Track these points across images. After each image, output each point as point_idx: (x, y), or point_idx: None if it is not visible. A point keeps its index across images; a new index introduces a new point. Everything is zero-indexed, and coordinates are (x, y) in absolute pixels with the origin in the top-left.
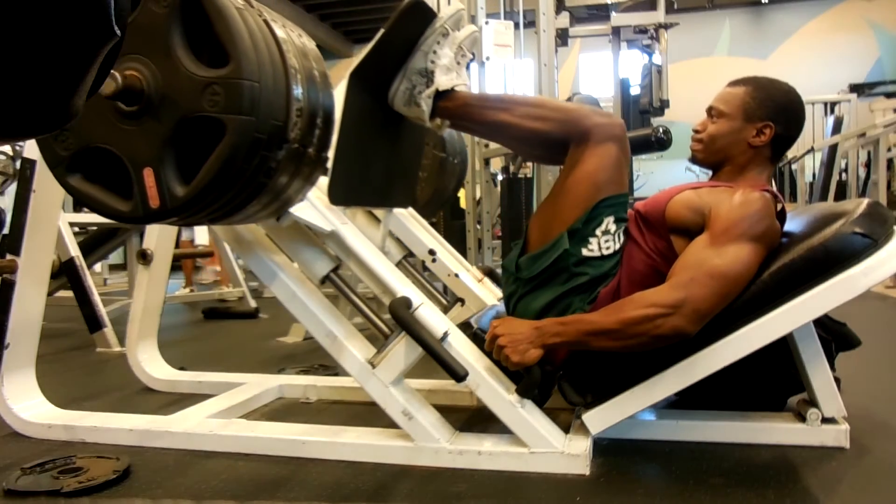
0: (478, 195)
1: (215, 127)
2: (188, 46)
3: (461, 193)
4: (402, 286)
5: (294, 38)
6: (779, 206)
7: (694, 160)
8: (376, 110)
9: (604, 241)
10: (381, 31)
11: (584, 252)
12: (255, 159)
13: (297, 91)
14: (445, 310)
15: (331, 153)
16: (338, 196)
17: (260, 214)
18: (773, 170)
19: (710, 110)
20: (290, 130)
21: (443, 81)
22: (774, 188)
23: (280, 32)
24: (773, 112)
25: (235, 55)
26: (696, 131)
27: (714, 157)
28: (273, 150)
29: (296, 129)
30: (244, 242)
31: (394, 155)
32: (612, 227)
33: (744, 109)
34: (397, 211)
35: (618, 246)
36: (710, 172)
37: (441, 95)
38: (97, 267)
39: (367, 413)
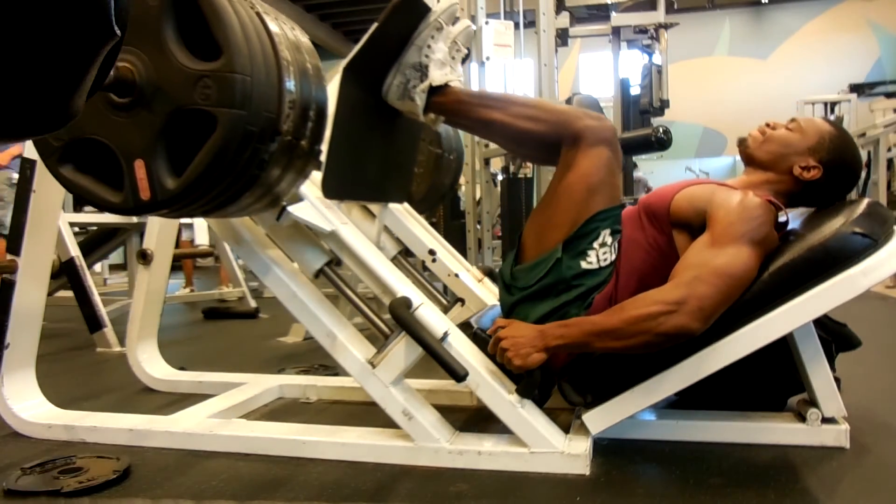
0: (478, 195)
1: (207, 120)
2: (181, 39)
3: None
4: (402, 286)
5: (287, 31)
6: (781, 218)
7: (741, 145)
8: (370, 104)
9: (602, 253)
10: (375, 24)
11: (584, 265)
12: (246, 152)
13: (290, 84)
14: (445, 310)
15: (324, 146)
16: (331, 189)
17: (254, 207)
18: (783, 205)
19: (792, 120)
20: (282, 123)
21: (437, 76)
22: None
23: (273, 26)
24: (833, 164)
25: (227, 49)
26: (768, 125)
27: (761, 154)
28: (265, 142)
29: (288, 122)
30: (241, 238)
31: (388, 149)
32: (609, 240)
33: (817, 141)
34: (394, 208)
35: (614, 256)
36: (709, 173)
37: (435, 90)
38: (97, 267)
39: (367, 413)
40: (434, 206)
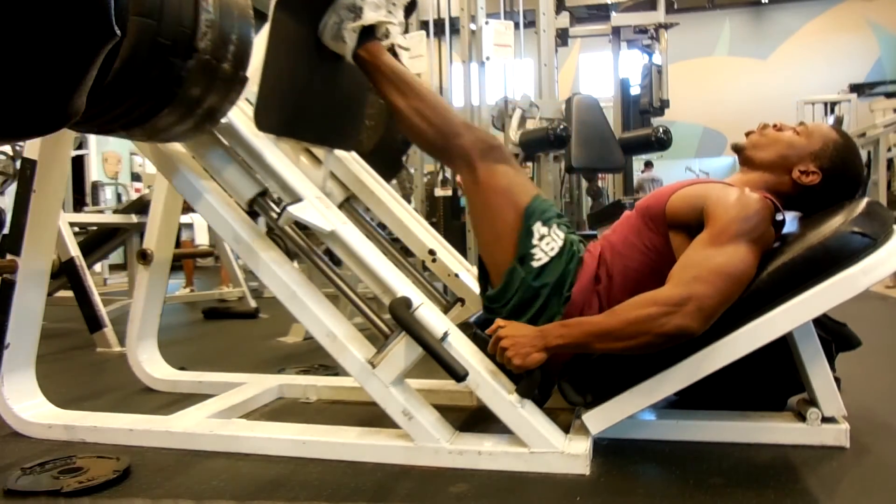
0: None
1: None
2: None
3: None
4: (402, 286)
5: None
6: (779, 216)
7: (743, 142)
8: (311, 43)
9: (545, 245)
10: None
11: (535, 264)
12: (157, 64)
13: (206, 5)
14: (445, 310)
15: (256, 77)
16: (264, 123)
17: (178, 129)
18: (778, 204)
19: (801, 124)
20: (198, 40)
21: (370, 17)
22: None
23: None
24: (833, 173)
25: None
26: (775, 125)
27: (762, 151)
28: (179, 57)
29: (206, 40)
30: (238, 237)
31: (333, 92)
32: (544, 230)
33: (821, 147)
34: (341, 154)
35: (560, 242)
36: (709, 173)
37: (364, 38)
38: (97, 267)
39: (367, 413)
40: (388, 165)
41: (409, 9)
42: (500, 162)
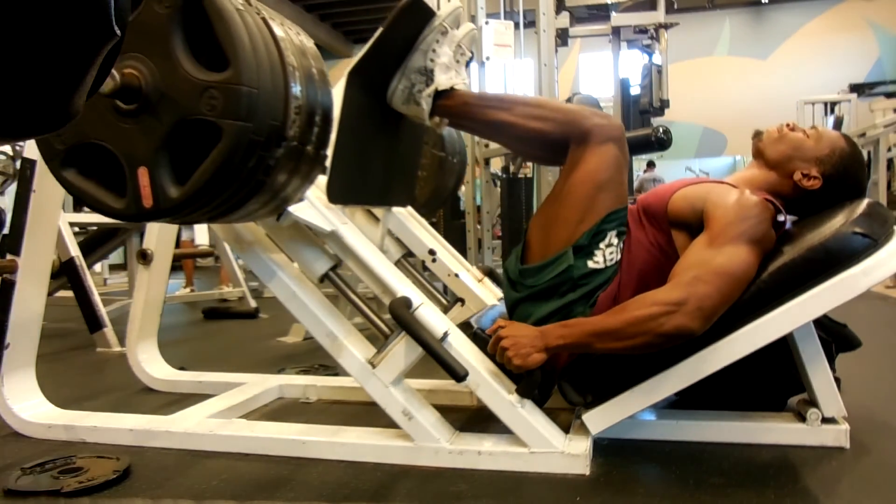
0: (478, 195)
1: (212, 130)
2: (188, 48)
3: (465, 193)
4: (402, 286)
5: (293, 36)
6: (780, 217)
7: (756, 137)
8: (375, 109)
9: (608, 253)
10: (380, 29)
11: (591, 265)
12: (251, 161)
13: (296, 89)
14: (445, 310)
15: (329, 151)
16: (336, 194)
17: (259, 212)
18: (779, 206)
19: (812, 127)
20: (288, 129)
21: (442, 80)
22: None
23: (279, 31)
24: (834, 180)
25: (235, 60)
26: (788, 124)
27: (772, 146)
28: (271, 149)
29: (294, 128)
30: (244, 242)
31: (393, 153)
32: (615, 240)
33: (827, 153)
34: (396, 210)
35: (619, 256)
36: (709, 173)
37: (440, 94)
38: (97, 267)
39: (367, 413)
40: (437, 209)
41: (468, 62)
42: (616, 150)
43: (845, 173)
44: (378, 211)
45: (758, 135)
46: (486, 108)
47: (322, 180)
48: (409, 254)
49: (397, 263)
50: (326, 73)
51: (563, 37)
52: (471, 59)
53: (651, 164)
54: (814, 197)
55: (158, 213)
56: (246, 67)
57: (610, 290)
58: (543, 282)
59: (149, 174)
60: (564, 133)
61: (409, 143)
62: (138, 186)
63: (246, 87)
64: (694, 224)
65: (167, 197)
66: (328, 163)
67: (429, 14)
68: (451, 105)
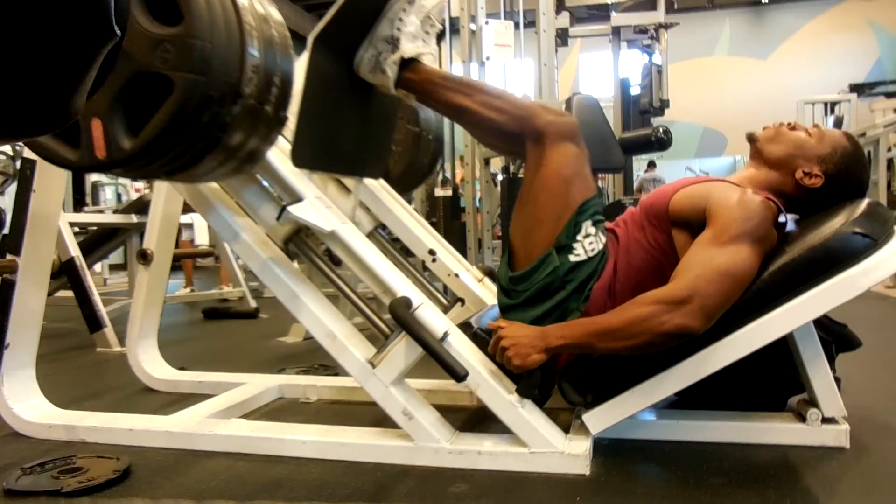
0: (478, 195)
1: (167, 83)
2: (143, 2)
3: (465, 193)
4: (402, 286)
5: (255, 3)
6: (781, 218)
7: (752, 139)
8: (342, 75)
9: (587, 244)
10: None
11: (573, 258)
12: (204, 115)
13: (253, 50)
14: (445, 310)
15: (293, 114)
16: (301, 159)
17: (218, 171)
18: (781, 205)
19: (815, 126)
20: (244, 86)
21: (408, 49)
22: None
23: None
24: (836, 179)
25: (188, 15)
26: (790, 123)
27: (772, 146)
28: (226, 106)
29: (251, 86)
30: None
31: (363, 123)
32: (592, 230)
33: (829, 152)
34: (370, 183)
35: (601, 245)
36: (709, 173)
37: (407, 65)
38: (97, 267)
39: (367, 413)
40: (413, 187)
41: (439, 36)
42: (574, 147)
43: (847, 172)
44: (349, 182)
45: (752, 138)
46: (448, 90)
47: (288, 146)
48: (408, 253)
49: (370, 236)
50: (288, 38)
51: (563, 37)
52: (441, 32)
53: (652, 164)
54: (816, 195)
55: (111, 164)
56: (199, 22)
57: (604, 281)
58: (534, 286)
59: (102, 126)
60: (519, 128)
61: (382, 114)
62: (92, 138)
63: (199, 42)
64: (695, 223)
65: (120, 148)
66: (293, 126)
67: None
68: (415, 80)
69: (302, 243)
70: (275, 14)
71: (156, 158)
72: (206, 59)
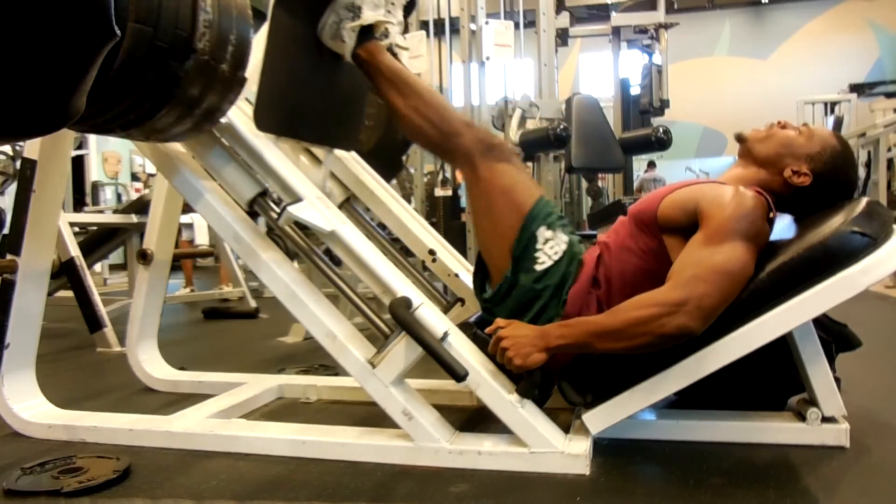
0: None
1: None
2: None
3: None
4: (402, 286)
5: None
6: (770, 214)
7: (740, 139)
8: (310, 41)
9: (549, 249)
10: None
11: (538, 268)
12: (154, 66)
13: (206, 5)
14: (445, 310)
15: (255, 77)
16: (264, 122)
17: (176, 129)
18: (770, 200)
19: (805, 125)
20: (196, 41)
21: (369, 16)
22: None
23: None
24: (825, 178)
25: None
26: (780, 122)
27: (760, 145)
28: (177, 59)
29: (203, 41)
30: (238, 236)
31: (332, 92)
32: (549, 233)
33: (818, 151)
34: (341, 154)
35: (563, 246)
36: (709, 173)
37: (364, 38)
38: (97, 267)
39: (367, 413)
40: (388, 164)
41: (409, 8)
42: (502, 161)
43: (836, 171)
44: (320, 153)
45: (741, 138)
46: (387, 83)
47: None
48: (408, 253)
49: (341, 207)
50: (247, 5)
51: (563, 37)
52: (411, 4)
53: (652, 164)
54: (804, 194)
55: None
56: None
57: (580, 285)
58: (508, 303)
59: None
60: (447, 145)
61: (353, 85)
62: None
63: None
64: (687, 227)
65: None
66: (255, 88)
67: None
68: (365, 60)
69: (264, 207)
70: None
71: (109, 108)
72: (154, 10)
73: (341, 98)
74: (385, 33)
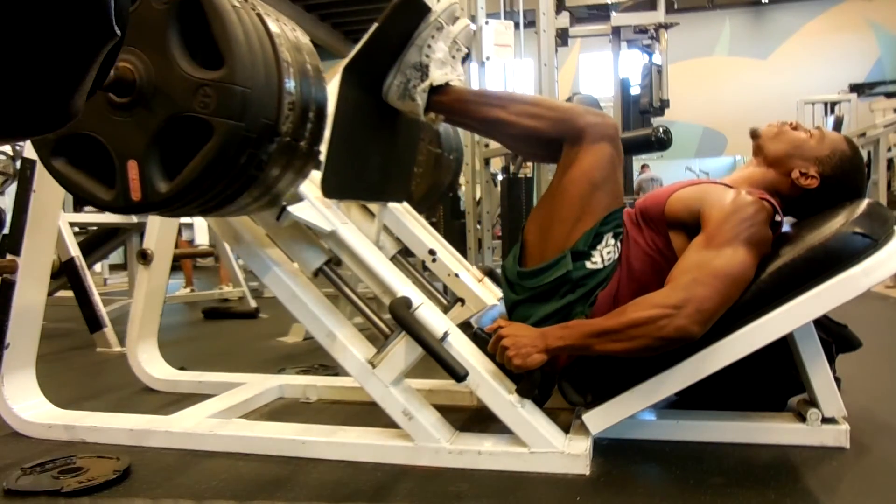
0: (478, 195)
1: (205, 127)
2: (184, 45)
3: (465, 193)
4: (402, 286)
5: (287, 32)
6: (777, 218)
7: (754, 135)
8: (370, 104)
9: (605, 254)
10: (375, 24)
11: (589, 265)
12: (242, 157)
13: (290, 85)
14: (445, 310)
15: (324, 146)
16: (331, 189)
17: (252, 207)
18: (777, 205)
19: (818, 128)
20: (281, 125)
21: (438, 76)
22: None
23: (274, 27)
24: (832, 182)
25: (230, 59)
26: (791, 123)
27: (773, 143)
28: (263, 145)
29: (287, 123)
30: (241, 239)
31: (388, 149)
32: (612, 241)
33: (828, 154)
34: (394, 207)
35: (617, 256)
36: (709, 173)
37: (436, 90)
38: (97, 267)
39: (367, 413)
40: (434, 206)
41: (464, 59)
42: (611, 150)
43: (843, 176)
44: (374, 206)
45: (755, 133)
46: (482, 105)
47: (317, 175)
48: (408, 253)
49: (393, 259)
50: (321, 69)
51: (563, 37)
52: (468, 55)
53: (645, 167)
54: (810, 197)
55: (147, 206)
56: (240, 66)
57: (609, 288)
58: (542, 284)
59: (138, 168)
60: (559, 131)
61: (406, 139)
62: (127, 179)
63: (240, 87)
64: (691, 226)
65: (156, 191)
66: (323, 158)
67: (424, 10)
68: (446, 101)
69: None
70: (305, 41)
71: (192, 201)
72: (246, 104)
73: (397, 152)
74: None
